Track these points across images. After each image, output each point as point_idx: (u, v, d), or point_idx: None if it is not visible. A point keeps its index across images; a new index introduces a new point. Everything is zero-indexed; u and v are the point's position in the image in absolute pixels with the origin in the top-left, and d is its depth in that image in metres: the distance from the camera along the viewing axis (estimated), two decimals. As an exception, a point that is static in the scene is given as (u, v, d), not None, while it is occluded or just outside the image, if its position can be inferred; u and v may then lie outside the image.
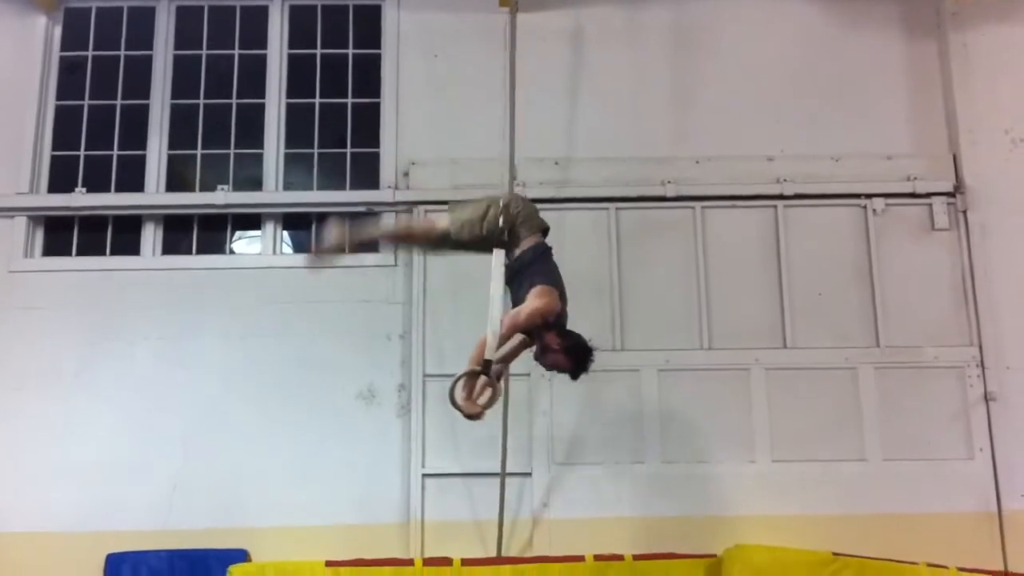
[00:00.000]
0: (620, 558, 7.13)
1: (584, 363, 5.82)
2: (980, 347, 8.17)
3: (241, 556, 7.49)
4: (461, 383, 5.77)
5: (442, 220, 6.27)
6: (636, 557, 7.14)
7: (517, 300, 5.90)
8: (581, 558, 7.13)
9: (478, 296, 7.92)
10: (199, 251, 8.58)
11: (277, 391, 8.09)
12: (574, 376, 5.86)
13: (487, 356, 5.74)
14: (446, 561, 7.08)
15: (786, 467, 7.99)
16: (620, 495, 7.89)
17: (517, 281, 5.95)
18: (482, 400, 5.85)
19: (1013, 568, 7.51)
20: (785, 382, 8.17)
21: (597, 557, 7.14)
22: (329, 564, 7.01)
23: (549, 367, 5.91)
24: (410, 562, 7.16)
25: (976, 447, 8.00)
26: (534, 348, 5.90)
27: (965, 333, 8.24)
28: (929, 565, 7.00)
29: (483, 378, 5.80)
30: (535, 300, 5.79)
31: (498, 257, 5.95)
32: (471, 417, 5.81)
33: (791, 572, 6.75)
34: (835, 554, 6.86)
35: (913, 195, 8.47)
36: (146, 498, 7.84)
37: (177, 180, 8.73)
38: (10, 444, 7.98)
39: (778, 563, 6.76)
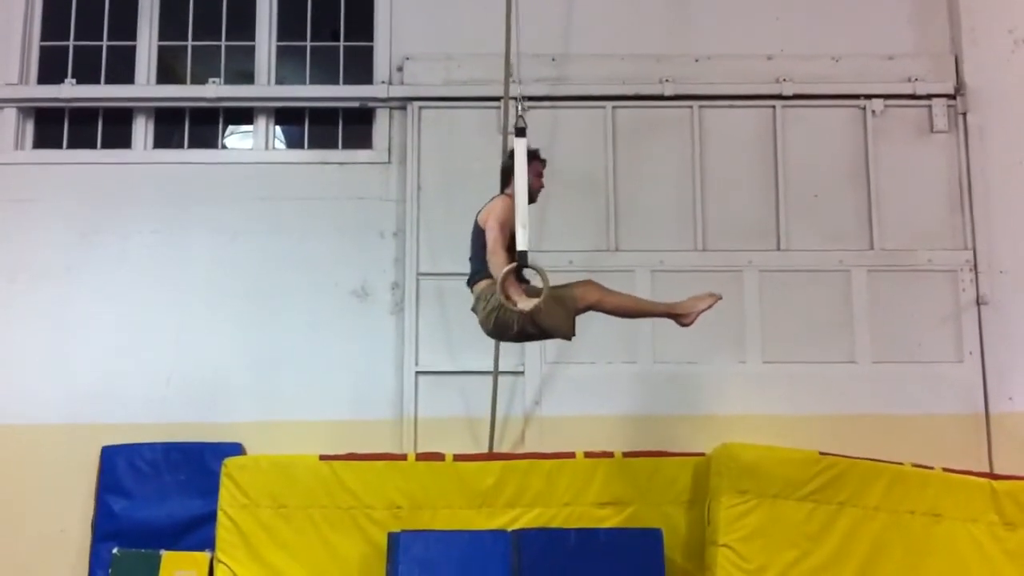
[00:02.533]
0: (610, 455, 7.21)
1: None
2: (974, 251, 8.17)
3: (236, 449, 7.56)
4: (509, 282, 5.61)
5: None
6: (626, 454, 7.23)
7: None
8: (572, 455, 7.22)
9: (472, 194, 7.89)
10: (191, 145, 8.51)
11: (270, 287, 8.09)
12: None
13: (520, 248, 5.63)
14: (439, 456, 7.17)
15: (776, 368, 8.04)
16: (611, 394, 7.95)
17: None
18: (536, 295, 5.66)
19: (999, 470, 7.62)
20: (778, 284, 8.18)
21: (587, 454, 7.22)
22: (323, 458, 7.10)
23: (538, 190, 6.14)
24: (403, 457, 7.26)
25: (966, 350, 8.05)
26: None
27: (960, 237, 8.23)
28: (915, 465, 7.10)
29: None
30: (485, 216, 5.91)
31: (520, 146, 5.85)
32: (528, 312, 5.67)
33: (778, 470, 6.82)
34: (822, 453, 6.94)
35: (913, 96, 8.38)
36: (140, 391, 7.89)
37: (167, 72, 8.60)
38: (3, 337, 8.00)
39: (765, 461, 6.83)
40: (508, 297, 5.57)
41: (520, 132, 5.83)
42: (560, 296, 5.77)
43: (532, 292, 5.71)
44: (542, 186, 6.24)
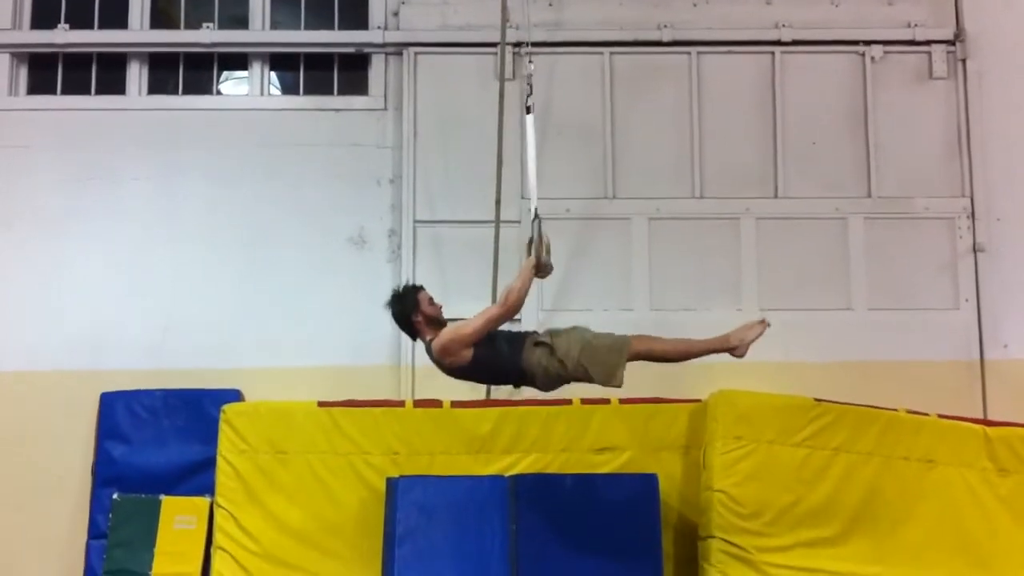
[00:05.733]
0: (606, 402, 7.23)
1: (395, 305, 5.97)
2: (971, 198, 8.17)
3: (234, 396, 7.58)
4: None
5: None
6: (622, 401, 7.24)
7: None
8: (568, 401, 7.22)
9: (468, 141, 7.96)
10: (185, 91, 8.46)
11: (267, 234, 8.08)
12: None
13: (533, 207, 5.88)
14: (436, 403, 7.19)
15: (772, 315, 7.91)
16: (608, 341, 7.95)
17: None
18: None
19: (993, 416, 7.67)
20: (775, 231, 8.18)
21: (584, 401, 7.24)
22: (321, 404, 7.12)
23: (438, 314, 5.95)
24: (401, 403, 7.27)
25: (962, 297, 8.07)
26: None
27: (957, 184, 8.22)
28: (910, 412, 7.14)
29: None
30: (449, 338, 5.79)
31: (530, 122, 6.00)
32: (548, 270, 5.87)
33: (773, 417, 6.85)
34: (817, 400, 6.97)
35: (912, 42, 8.33)
36: (138, 338, 7.91)
37: (161, 17, 8.53)
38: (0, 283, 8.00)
39: (761, 408, 6.86)
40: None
41: (528, 110, 6.09)
42: (609, 346, 5.77)
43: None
44: (439, 310, 5.97)
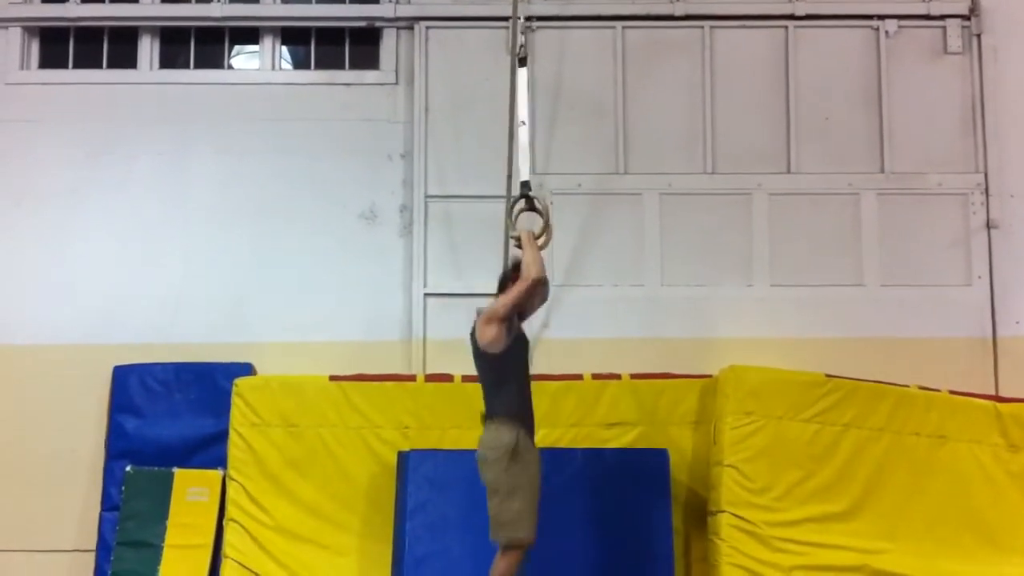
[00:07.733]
0: (617, 377, 7.27)
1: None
2: (985, 174, 8.11)
3: (246, 370, 7.60)
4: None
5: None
6: (633, 376, 7.28)
7: None
8: (579, 376, 7.27)
9: (481, 116, 7.93)
10: (197, 66, 8.44)
11: (278, 209, 8.07)
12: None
13: (523, 179, 5.97)
14: (447, 377, 7.22)
15: (784, 291, 8.04)
16: (619, 316, 7.95)
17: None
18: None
19: (1004, 393, 7.66)
20: (787, 207, 8.13)
21: (595, 376, 7.28)
22: (333, 378, 7.17)
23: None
24: (412, 378, 7.32)
25: (975, 274, 8.03)
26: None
27: (971, 160, 8.17)
28: (921, 388, 7.15)
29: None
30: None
31: (520, 76, 5.86)
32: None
33: (784, 392, 6.88)
34: (828, 376, 6.98)
35: (927, 17, 8.26)
36: (150, 312, 7.91)
37: (172, -10, 8.52)
38: (11, 258, 8.01)
39: (772, 383, 6.89)
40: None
41: (522, 62, 6.04)
42: (516, 511, 5.68)
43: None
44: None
